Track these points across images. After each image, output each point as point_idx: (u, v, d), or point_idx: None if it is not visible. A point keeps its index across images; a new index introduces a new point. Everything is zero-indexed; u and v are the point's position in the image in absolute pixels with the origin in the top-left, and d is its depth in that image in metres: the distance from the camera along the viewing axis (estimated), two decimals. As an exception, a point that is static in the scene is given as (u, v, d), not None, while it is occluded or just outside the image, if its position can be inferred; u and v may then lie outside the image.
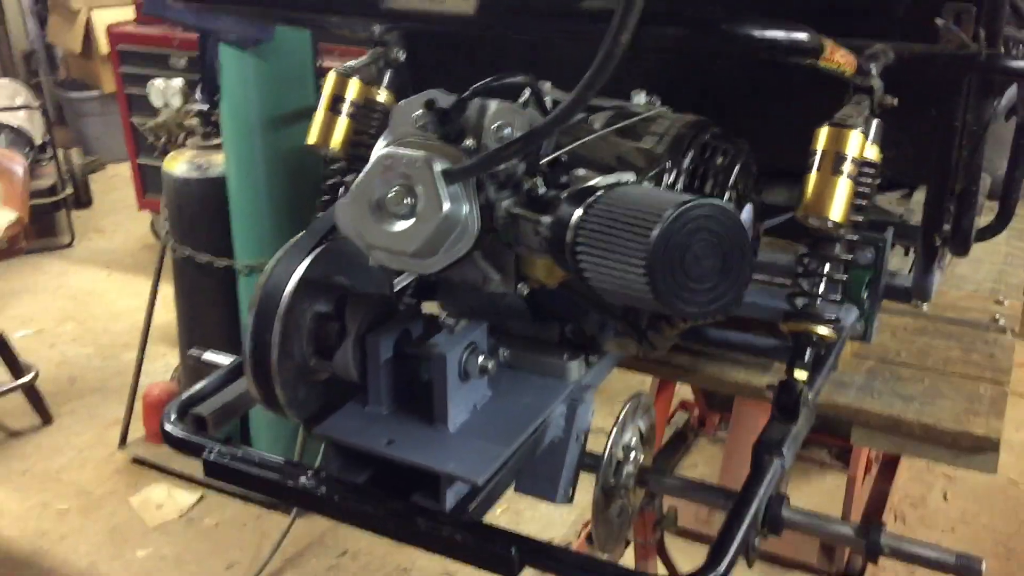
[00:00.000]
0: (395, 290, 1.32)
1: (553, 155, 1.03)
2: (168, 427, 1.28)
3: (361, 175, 1.04)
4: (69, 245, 5.66)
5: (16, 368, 3.75)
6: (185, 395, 1.32)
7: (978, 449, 1.60)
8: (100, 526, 3.25)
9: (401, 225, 1.01)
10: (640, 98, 1.33)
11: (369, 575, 2.94)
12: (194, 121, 3.24)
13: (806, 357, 1.26)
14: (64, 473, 3.50)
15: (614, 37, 0.86)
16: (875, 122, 1.28)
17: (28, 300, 4.97)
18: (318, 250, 1.18)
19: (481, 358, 1.15)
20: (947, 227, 1.52)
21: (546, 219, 0.98)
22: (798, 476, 3.32)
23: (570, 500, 1.34)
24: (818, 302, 1.27)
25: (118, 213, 6.19)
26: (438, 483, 1.10)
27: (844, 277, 1.29)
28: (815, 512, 1.30)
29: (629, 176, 1.03)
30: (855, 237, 1.28)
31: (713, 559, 1.06)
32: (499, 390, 1.24)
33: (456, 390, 1.15)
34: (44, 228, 5.75)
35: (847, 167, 1.20)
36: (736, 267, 0.94)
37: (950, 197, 1.46)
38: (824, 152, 1.20)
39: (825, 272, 1.27)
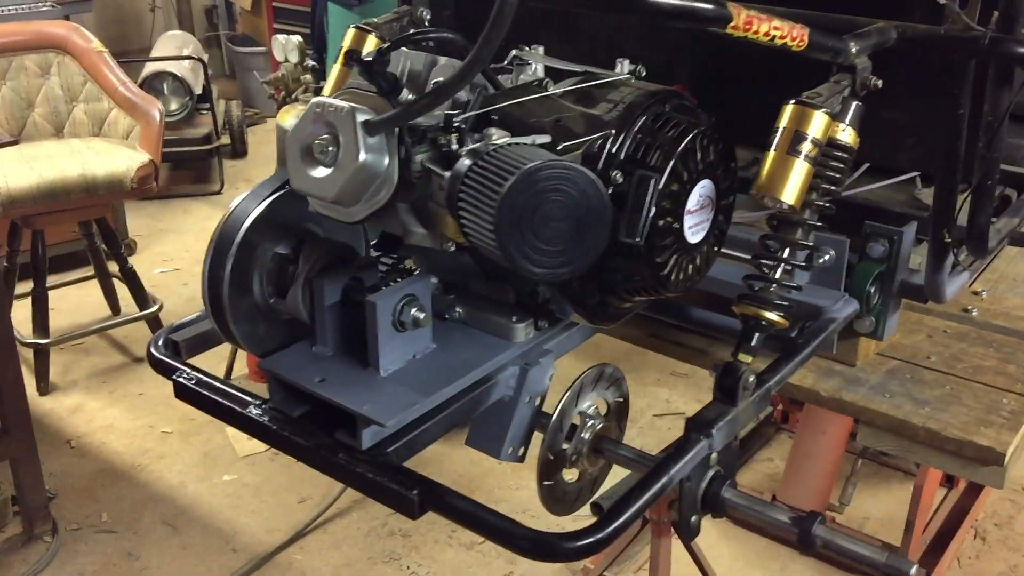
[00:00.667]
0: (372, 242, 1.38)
1: (469, 113, 1.06)
2: (151, 349, 1.39)
3: (297, 121, 1.09)
4: (218, 192, 6.01)
5: (144, 300, 4.05)
6: (174, 324, 1.42)
7: (982, 460, 1.52)
8: (195, 450, 3.49)
9: (322, 172, 1.06)
10: (623, 67, 1.33)
11: (427, 523, 3.04)
12: (308, 76, 3.39)
13: (753, 341, 1.24)
14: (172, 399, 3.75)
15: (501, -4, 0.88)
16: (854, 104, 1.23)
17: (173, 239, 5.33)
18: (280, 192, 1.24)
19: (415, 310, 1.19)
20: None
21: (446, 174, 1.01)
22: (880, 481, 3.20)
23: (520, 459, 1.36)
24: (773, 287, 1.24)
25: (270, 164, 6.51)
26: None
27: (804, 264, 1.25)
28: (755, 496, 1.28)
29: (544, 139, 1.04)
30: (817, 223, 1.24)
31: (601, 523, 1.07)
32: (446, 344, 1.28)
33: (389, 338, 1.19)
34: (198, 174, 6.13)
35: (806, 148, 1.16)
36: (590, 233, 0.93)
37: (958, 191, 1.39)
38: (784, 130, 1.17)
39: (784, 256, 1.24)
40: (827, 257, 1.51)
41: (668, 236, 1.17)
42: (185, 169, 6.15)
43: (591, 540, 1.06)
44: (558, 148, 1.09)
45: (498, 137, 1.02)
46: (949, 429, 1.54)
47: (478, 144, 1.01)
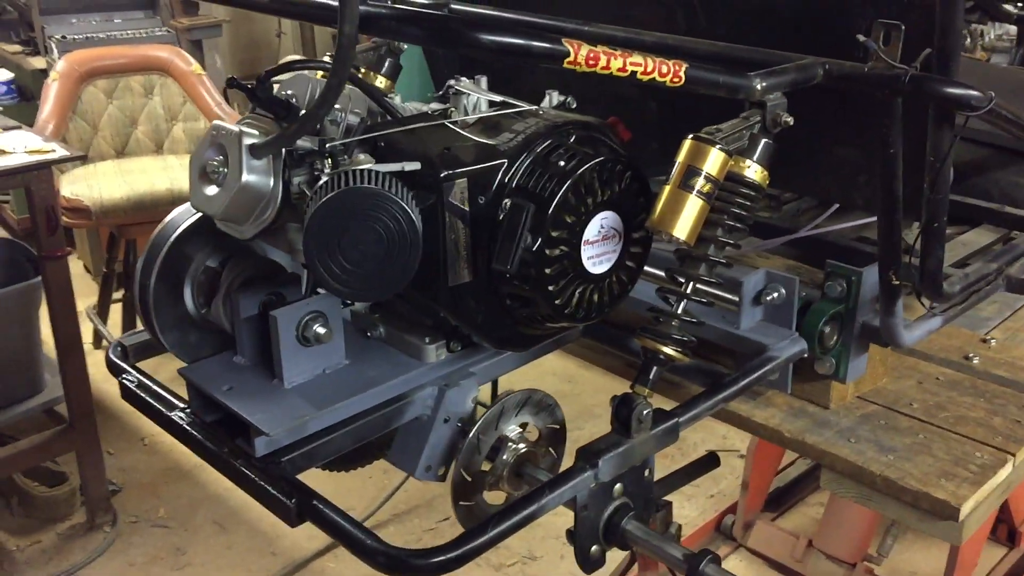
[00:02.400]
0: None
1: (340, 141, 1.10)
2: (109, 353, 1.49)
3: (199, 143, 1.16)
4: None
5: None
6: (132, 331, 1.52)
7: (938, 514, 1.45)
8: (257, 456, 3.65)
9: (213, 190, 1.13)
10: (551, 99, 1.35)
11: (461, 545, 3.07)
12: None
13: (651, 374, 1.23)
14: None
15: (340, 28, 0.93)
16: (763, 141, 1.22)
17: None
18: (213, 209, 1.31)
19: (318, 326, 1.24)
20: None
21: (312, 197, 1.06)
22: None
23: (440, 479, 1.39)
24: (675, 321, 1.23)
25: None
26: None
27: (704, 301, 1.24)
28: (655, 533, 1.27)
29: (413, 166, 1.08)
30: (721, 260, 1.22)
31: (457, 542, 1.09)
32: (359, 360, 1.32)
33: (292, 352, 1.24)
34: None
35: (699, 183, 1.16)
36: (398, 258, 0.96)
37: (900, 230, 1.34)
38: (679, 164, 1.17)
39: (688, 292, 1.23)
40: (776, 295, 1.49)
41: (559, 265, 1.18)
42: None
43: (443, 558, 1.08)
44: (441, 175, 1.12)
45: (363, 162, 1.07)
46: (907, 479, 1.48)
47: (341, 169, 1.06)
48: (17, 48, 5.36)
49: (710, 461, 1.66)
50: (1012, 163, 1.79)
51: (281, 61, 1.23)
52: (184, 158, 4.18)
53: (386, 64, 1.66)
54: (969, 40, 3.21)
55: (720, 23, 1.51)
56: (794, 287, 1.48)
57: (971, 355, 1.80)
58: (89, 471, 3.15)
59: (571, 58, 0.98)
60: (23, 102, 4.87)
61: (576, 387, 3.82)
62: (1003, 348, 1.86)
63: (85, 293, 4.28)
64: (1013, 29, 3.19)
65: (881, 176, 1.30)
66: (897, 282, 1.39)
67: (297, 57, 6.33)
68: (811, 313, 1.50)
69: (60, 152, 2.88)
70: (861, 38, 1.21)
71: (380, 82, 1.65)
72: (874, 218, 1.45)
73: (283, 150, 1.11)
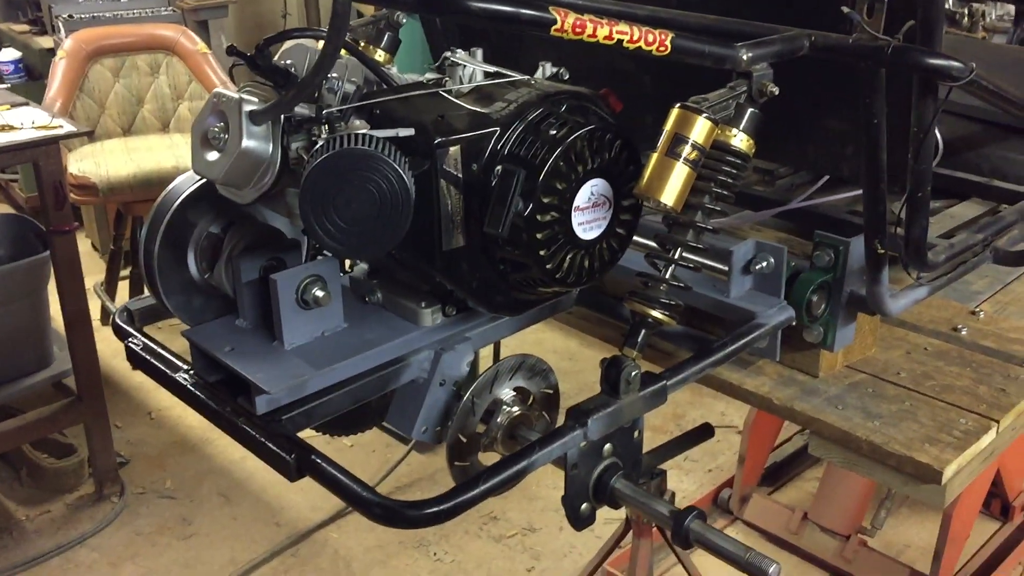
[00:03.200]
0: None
1: (338, 107, 1.14)
2: (115, 317, 1.53)
3: (201, 110, 1.20)
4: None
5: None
6: (138, 297, 1.56)
7: (921, 478, 1.49)
8: (262, 430, 3.70)
9: (214, 156, 1.17)
10: (544, 70, 1.38)
11: (461, 517, 3.12)
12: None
13: (639, 337, 1.27)
14: (249, 381, 3.99)
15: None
16: (749, 111, 1.25)
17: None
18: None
19: (317, 289, 1.28)
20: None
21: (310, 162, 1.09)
22: (929, 508, 3.08)
23: (436, 440, 1.43)
24: (662, 285, 1.27)
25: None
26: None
27: (691, 266, 1.27)
28: (642, 490, 1.31)
29: (407, 132, 1.11)
30: (708, 226, 1.26)
31: (449, 495, 1.13)
32: (357, 324, 1.36)
33: (292, 314, 1.28)
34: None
35: (685, 151, 1.19)
36: (392, 218, 1.00)
37: (885, 200, 1.37)
38: (666, 133, 1.20)
39: (675, 257, 1.27)
40: (764, 264, 1.52)
41: (549, 230, 1.22)
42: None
43: (435, 510, 1.13)
44: (435, 142, 1.16)
45: (359, 128, 1.10)
46: (892, 444, 1.51)
47: (335, 134, 1.09)
48: (24, 27, 5.40)
49: (704, 432, 1.70)
50: (1001, 138, 1.82)
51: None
52: (189, 137, 4.22)
53: (385, 38, 1.69)
54: (969, 19, 3.23)
55: (712, -3, 1.54)
56: (782, 256, 1.51)
57: (960, 327, 1.84)
58: (97, 443, 3.21)
59: (558, 25, 1.01)
60: (30, 81, 4.91)
61: (576, 364, 3.86)
62: (991, 320, 1.89)
63: (93, 271, 4.33)
64: (1012, 9, 3.21)
65: (866, 147, 1.33)
66: (882, 251, 1.42)
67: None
68: (799, 282, 1.53)
69: (67, 128, 2.92)
70: (845, 10, 1.24)
71: (379, 55, 1.68)
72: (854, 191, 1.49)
73: (282, 116, 1.15)
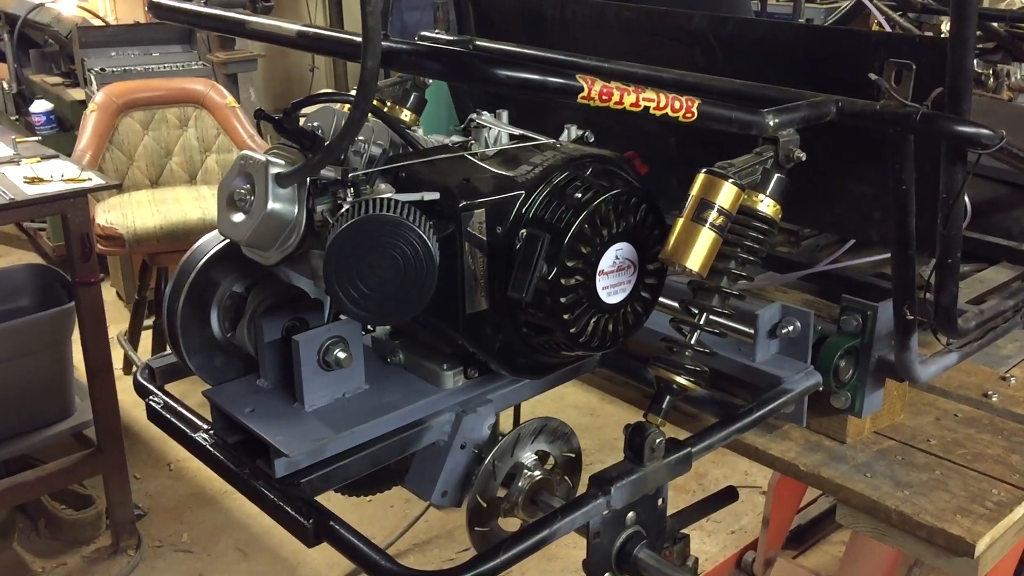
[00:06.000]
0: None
1: (363, 171, 1.14)
2: (137, 375, 1.53)
3: (228, 171, 1.20)
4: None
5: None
6: (160, 355, 1.56)
7: (953, 551, 1.45)
8: (280, 484, 3.68)
9: (240, 217, 1.17)
10: (570, 133, 1.39)
11: None
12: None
13: (664, 404, 1.25)
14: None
15: (364, 63, 0.97)
16: (775, 176, 1.24)
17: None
18: (240, 236, 1.35)
19: (338, 351, 1.27)
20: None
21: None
22: None
23: (456, 504, 1.41)
24: (688, 351, 1.25)
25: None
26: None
27: (717, 332, 1.26)
28: (667, 562, 1.28)
29: (432, 195, 1.11)
30: (735, 292, 1.25)
31: (468, 566, 1.11)
32: (378, 385, 1.35)
33: (313, 376, 1.28)
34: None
35: (711, 216, 1.18)
36: (415, 285, 0.99)
37: (915, 267, 1.35)
38: (692, 198, 1.20)
39: (701, 323, 1.25)
40: (791, 328, 1.50)
41: (574, 294, 1.21)
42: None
43: (454, 582, 1.10)
44: (460, 205, 1.16)
45: (384, 191, 1.10)
46: (922, 515, 1.48)
47: (363, 199, 1.09)
48: (57, 80, 5.50)
49: (728, 495, 1.67)
50: (1028, 201, 1.80)
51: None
52: (216, 188, 4.26)
53: (411, 98, 1.71)
54: (994, 80, 3.22)
55: (738, 62, 1.54)
56: (809, 320, 1.50)
57: (990, 392, 1.80)
58: (115, 495, 3.19)
59: (585, 93, 1.01)
60: (62, 132, 4.99)
61: (598, 420, 3.83)
62: (1022, 386, 1.85)
63: (116, 319, 4.35)
64: (1039, 69, 3.20)
65: (895, 212, 1.31)
66: (912, 317, 1.40)
67: (324, 90, 6.40)
68: (826, 347, 1.51)
69: (96, 181, 2.95)
70: (873, 77, 1.23)
71: (405, 115, 1.70)
72: (890, 254, 1.47)
73: (308, 179, 1.15)
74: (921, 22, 3.01)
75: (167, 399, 1.45)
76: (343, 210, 1.06)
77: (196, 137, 4.36)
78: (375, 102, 1.54)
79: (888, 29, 2.02)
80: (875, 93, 1.29)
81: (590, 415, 3.89)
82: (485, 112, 1.40)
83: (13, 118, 5.48)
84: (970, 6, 1.15)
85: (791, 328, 1.50)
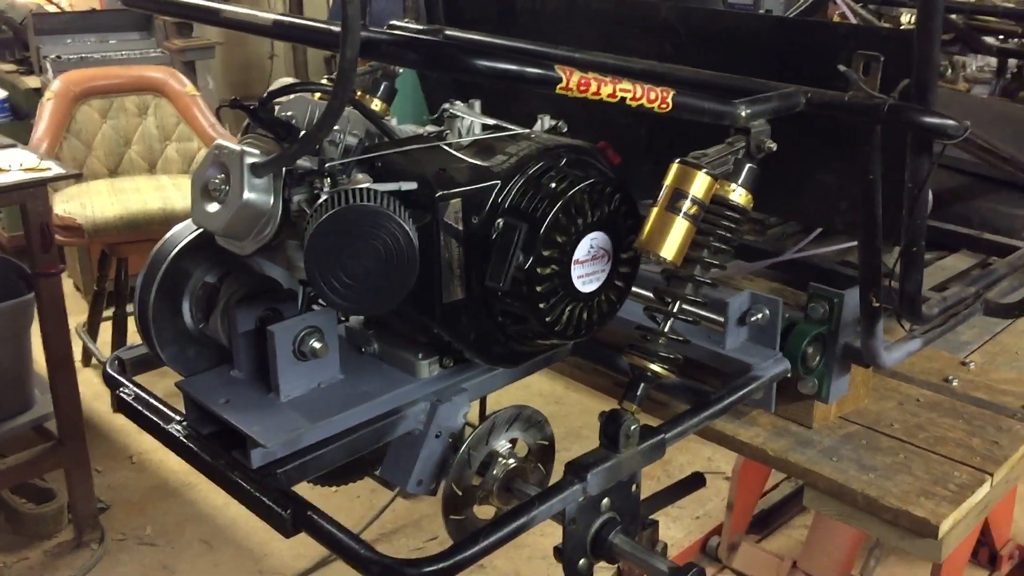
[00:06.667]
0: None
1: (339, 161, 1.14)
2: (107, 367, 1.51)
3: (202, 161, 1.20)
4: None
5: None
6: (129, 345, 1.55)
7: (916, 532, 1.49)
8: (245, 475, 3.65)
9: (214, 207, 1.16)
10: (543, 123, 1.39)
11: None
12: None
13: (638, 391, 1.26)
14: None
15: (343, 53, 0.97)
16: (747, 166, 1.26)
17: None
18: (211, 226, 1.34)
19: (314, 341, 1.27)
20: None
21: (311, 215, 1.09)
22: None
23: (431, 493, 1.41)
24: (661, 339, 1.26)
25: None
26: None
27: (690, 320, 1.28)
28: (640, 546, 1.30)
29: (410, 185, 1.11)
30: (707, 280, 1.26)
31: (448, 553, 1.12)
32: (354, 375, 1.35)
33: (288, 366, 1.27)
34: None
35: (685, 206, 1.20)
36: (396, 274, 0.99)
37: (880, 254, 1.38)
38: (666, 188, 1.21)
39: (675, 311, 1.27)
40: (760, 316, 1.53)
41: (549, 283, 1.22)
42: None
43: (435, 568, 1.11)
44: (436, 195, 1.16)
45: (362, 181, 1.10)
46: (887, 497, 1.51)
47: (340, 188, 1.09)
48: (12, 67, 5.39)
49: (695, 481, 1.69)
50: (990, 191, 1.84)
51: (279, 84, 1.27)
52: (177, 178, 4.21)
53: (382, 88, 1.70)
54: (951, 71, 3.29)
55: (707, 52, 1.56)
56: (778, 308, 1.52)
57: (951, 377, 1.85)
58: (77, 488, 3.15)
59: (564, 84, 1.02)
60: (16, 120, 4.90)
61: (563, 408, 3.85)
62: (982, 371, 1.90)
63: (74, 311, 4.28)
64: (994, 61, 3.26)
65: (862, 202, 1.34)
66: (877, 304, 1.43)
67: (293, 80, 6.36)
68: (795, 334, 1.54)
69: (55, 170, 2.90)
70: (842, 68, 1.25)
71: (376, 105, 1.69)
72: (855, 242, 1.50)
73: (283, 169, 1.15)
74: (881, 14, 3.05)
75: (137, 390, 1.44)
76: (322, 200, 1.05)
77: (155, 126, 4.30)
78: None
79: (852, 20, 2.04)
80: (842, 84, 1.32)
81: (556, 403, 3.91)
82: (459, 102, 1.40)
83: (-35, 106, 5.36)
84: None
85: (760, 316, 1.52)
